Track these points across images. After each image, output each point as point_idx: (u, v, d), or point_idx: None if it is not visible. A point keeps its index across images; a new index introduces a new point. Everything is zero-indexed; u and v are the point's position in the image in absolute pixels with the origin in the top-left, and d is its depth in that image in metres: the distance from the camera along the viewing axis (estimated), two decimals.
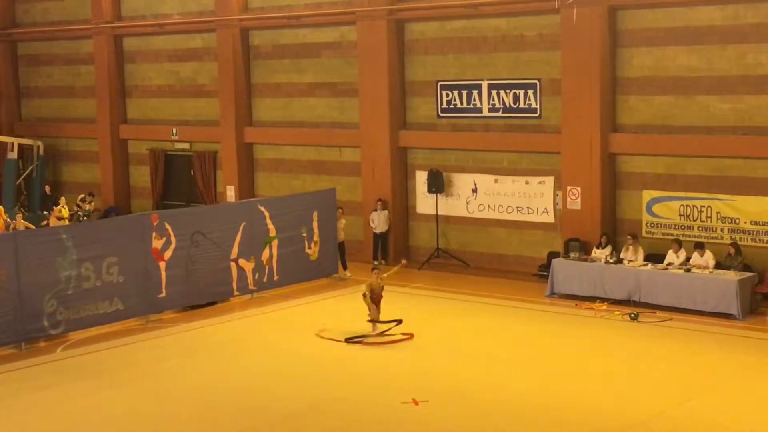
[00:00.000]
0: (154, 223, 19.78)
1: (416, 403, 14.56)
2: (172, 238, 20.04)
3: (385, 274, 18.55)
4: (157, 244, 19.80)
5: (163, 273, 19.92)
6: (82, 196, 29.39)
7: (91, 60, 31.65)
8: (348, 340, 17.93)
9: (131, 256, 19.34)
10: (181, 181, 30.24)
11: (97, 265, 18.80)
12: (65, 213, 26.90)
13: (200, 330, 19.32)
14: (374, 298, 18.41)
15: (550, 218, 23.20)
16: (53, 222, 25.79)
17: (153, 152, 30.67)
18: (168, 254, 19.98)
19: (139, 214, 20.76)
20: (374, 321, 18.29)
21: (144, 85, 30.90)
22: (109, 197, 31.36)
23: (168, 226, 19.97)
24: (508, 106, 23.63)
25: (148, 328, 19.40)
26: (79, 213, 28.35)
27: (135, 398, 15.27)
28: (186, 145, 29.93)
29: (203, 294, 20.83)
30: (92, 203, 29.35)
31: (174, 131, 29.91)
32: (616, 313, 19.67)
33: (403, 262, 19.20)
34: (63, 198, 28.45)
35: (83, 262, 18.57)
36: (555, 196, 23.01)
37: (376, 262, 18.78)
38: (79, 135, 32.56)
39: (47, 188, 31.77)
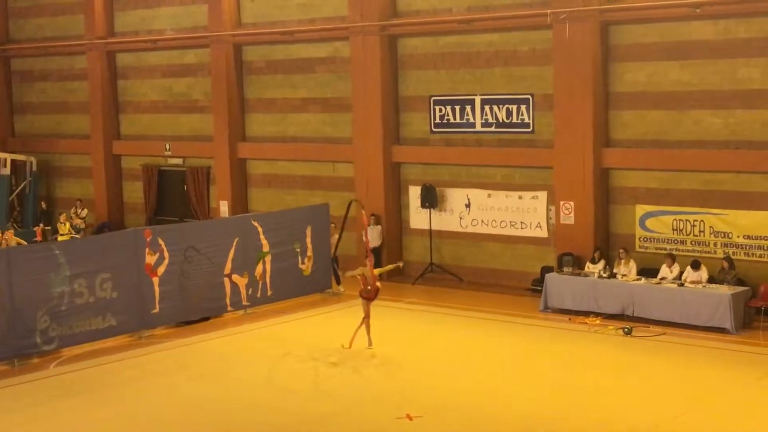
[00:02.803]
0: (147, 239, 19.76)
1: (410, 418, 14.53)
2: (166, 254, 20.01)
3: (377, 271, 18.71)
4: (151, 259, 19.78)
5: (157, 288, 19.89)
6: (74, 209, 29.54)
7: (84, 76, 31.68)
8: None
9: (124, 272, 19.31)
10: (174, 196, 30.22)
11: (90, 281, 18.75)
12: (65, 229, 26.91)
13: (193, 346, 19.27)
14: (367, 295, 18.47)
15: (543, 233, 23.22)
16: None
17: (146, 168, 30.66)
18: (161, 270, 19.95)
19: (132, 230, 20.72)
20: (367, 327, 18.42)
21: (137, 100, 30.91)
22: (102, 213, 31.32)
23: (161, 242, 19.95)
24: (501, 121, 23.67)
25: (142, 344, 19.35)
26: (77, 223, 28.54)
27: (128, 414, 15.23)
28: (179, 161, 29.93)
29: (196, 309, 20.79)
30: (84, 209, 29.53)
31: (167, 147, 29.91)
32: (610, 327, 19.68)
33: (400, 263, 19.44)
34: (64, 214, 28.50)
35: (76, 278, 18.53)
36: (548, 210, 23.04)
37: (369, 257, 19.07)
38: (73, 151, 32.54)
39: (43, 204, 31.77)
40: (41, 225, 28.83)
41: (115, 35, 30.94)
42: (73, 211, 29.71)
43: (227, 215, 27.68)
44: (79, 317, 18.63)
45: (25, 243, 24.04)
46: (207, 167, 29.17)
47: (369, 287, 18.51)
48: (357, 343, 18.36)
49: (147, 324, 19.90)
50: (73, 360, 18.33)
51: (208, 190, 29.26)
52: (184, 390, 16.41)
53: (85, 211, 29.77)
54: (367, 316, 18.51)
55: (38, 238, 27.25)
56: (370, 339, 18.46)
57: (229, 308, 21.41)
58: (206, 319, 21.05)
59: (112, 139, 31.28)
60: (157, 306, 19.94)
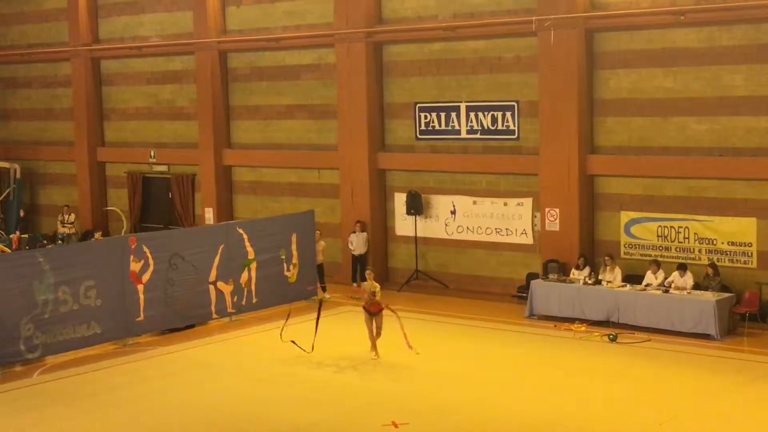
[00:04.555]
0: (132, 246, 19.70)
1: (396, 425, 14.51)
2: (150, 261, 19.94)
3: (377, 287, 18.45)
4: (135, 267, 19.70)
5: (141, 296, 19.81)
6: (61, 215, 29.54)
7: (68, 82, 31.58)
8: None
9: (109, 280, 19.23)
10: (159, 203, 30.14)
11: (74, 288, 18.67)
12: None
13: (178, 353, 19.21)
14: (370, 307, 18.22)
15: (528, 239, 23.24)
16: None
17: (131, 175, 30.57)
18: (146, 277, 19.88)
19: (116, 237, 20.64)
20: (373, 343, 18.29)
21: (122, 107, 30.83)
22: (86, 220, 31.19)
23: (146, 249, 19.88)
24: (486, 127, 23.70)
25: (126, 352, 19.28)
26: (63, 225, 28.65)
27: (112, 423, 15.16)
28: (164, 168, 29.85)
29: (181, 317, 20.73)
30: (71, 214, 29.58)
31: (152, 154, 29.84)
32: (595, 334, 19.70)
33: (392, 308, 18.91)
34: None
35: (60, 286, 18.44)
36: (533, 217, 23.07)
37: (368, 269, 19.05)
38: (57, 158, 32.43)
39: (21, 212, 31.58)
40: (17, 232, 28.70)
41: (100, 42, 30.86)
42: (59, 217, 29.67)
43: (212, 222, 27.61)
44: (63, 325, 18.54)
45: (9, 251, 23.92)
46: (192, 174, 29.10)
47: (371, 299, 18.18)
48: (346, 349, 18.32)
49: (132, 332, 19.82)
50: (57, 368, 18.24)
51: (193, 197, 29.19)
52: (169, 398, 16.35)
53: (73, 216, 29.82)
54: (378, 327, 18.21)
55: (14, 245, 27.08)
56: (374, 346, 18.35)
57: (215, 316, 21.35)
58: (191, 326, 20.98)
59: (96, 146, 31.18)
60: (142, 314, 19.87)
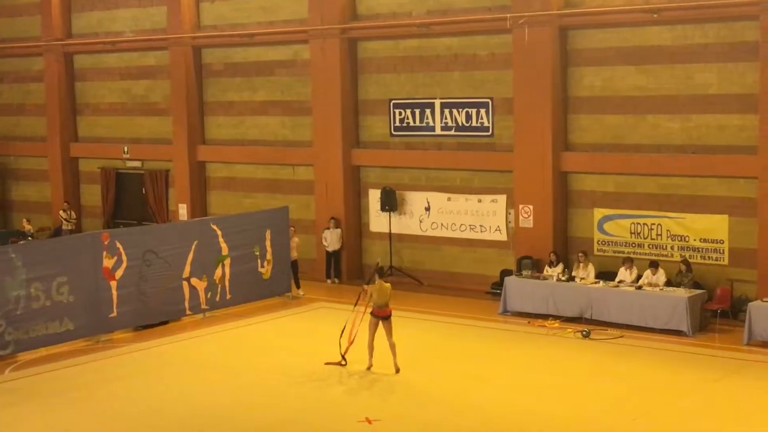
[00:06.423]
0: (105, 243, 19.60)
1: (370, 422, 14.53)
2: (124, 257, 19.86)
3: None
4: (108, 263, 19.62)
5: (114, 292, 19.73)
6: (62, 211, 29.42)
7: (41, 78, 31.38)
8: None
9: (82, 276, 19.13)
10: (132, 199, 30.01)
11: (46, 284, 18.57)
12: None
13: (152, 350, 19.14)
14: (378, 312, 17.37)
15: (502, 236, 23.32)
16: None
17: (104, 171, 30.43)
18: (119, 273, 19.80)
19: (89, 233, 20.54)
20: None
21: (95, 103, 30.67)
22: (59, 216, 31.00)
23: (119, 245, 19.79)
24: (460, 124, 23.75)
25: (99, 348, 19.20)
26: (68, 222, 28.60)
27: (85, 420, 15.10)
28: (138, 164, 29.73)
29: (155, 313, 20.65)
30: (71, 211, 29.44)
31: (125, 149, 29.71)
32: (568, 330, 19.79)
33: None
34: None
35: (33, 282, 18.34)
36: (507, 214, 23.14)
37: (379, 262, 18.19)
38: (29, 153, 32.24)
39: None
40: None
41: (73, 37, 30.68)
42: (62, 213, 29.47)
43: (186, 218, 27.52)
44: (35, 321, 18.44)
45: None
46: (166, 170, 29.00)
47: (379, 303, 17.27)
48: (320, 347, 18.31)
49: (105, 328, 19.73)
50: (29, 365, 18.13)
51: (166, 193, 29.09)
52: (142, 395, 16.29)
53: (73, 213, 29.65)
54: (387, 335, 17.26)
55: None
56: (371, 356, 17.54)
57: (188, 312, 21.29)
58: (165, 323, 20.91)
59: (69, 142, 31.01)
60: (115, 310, 19.79)
